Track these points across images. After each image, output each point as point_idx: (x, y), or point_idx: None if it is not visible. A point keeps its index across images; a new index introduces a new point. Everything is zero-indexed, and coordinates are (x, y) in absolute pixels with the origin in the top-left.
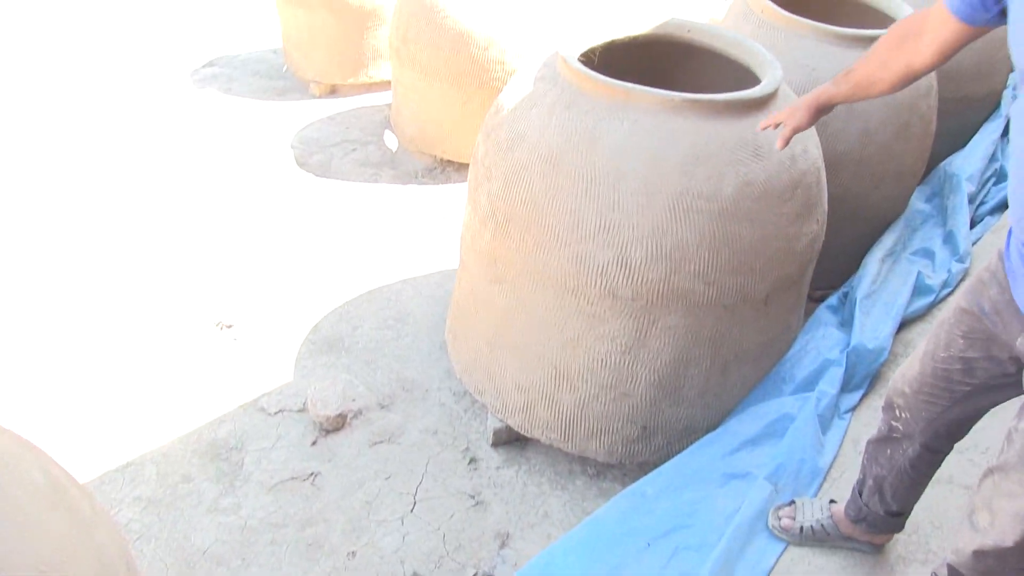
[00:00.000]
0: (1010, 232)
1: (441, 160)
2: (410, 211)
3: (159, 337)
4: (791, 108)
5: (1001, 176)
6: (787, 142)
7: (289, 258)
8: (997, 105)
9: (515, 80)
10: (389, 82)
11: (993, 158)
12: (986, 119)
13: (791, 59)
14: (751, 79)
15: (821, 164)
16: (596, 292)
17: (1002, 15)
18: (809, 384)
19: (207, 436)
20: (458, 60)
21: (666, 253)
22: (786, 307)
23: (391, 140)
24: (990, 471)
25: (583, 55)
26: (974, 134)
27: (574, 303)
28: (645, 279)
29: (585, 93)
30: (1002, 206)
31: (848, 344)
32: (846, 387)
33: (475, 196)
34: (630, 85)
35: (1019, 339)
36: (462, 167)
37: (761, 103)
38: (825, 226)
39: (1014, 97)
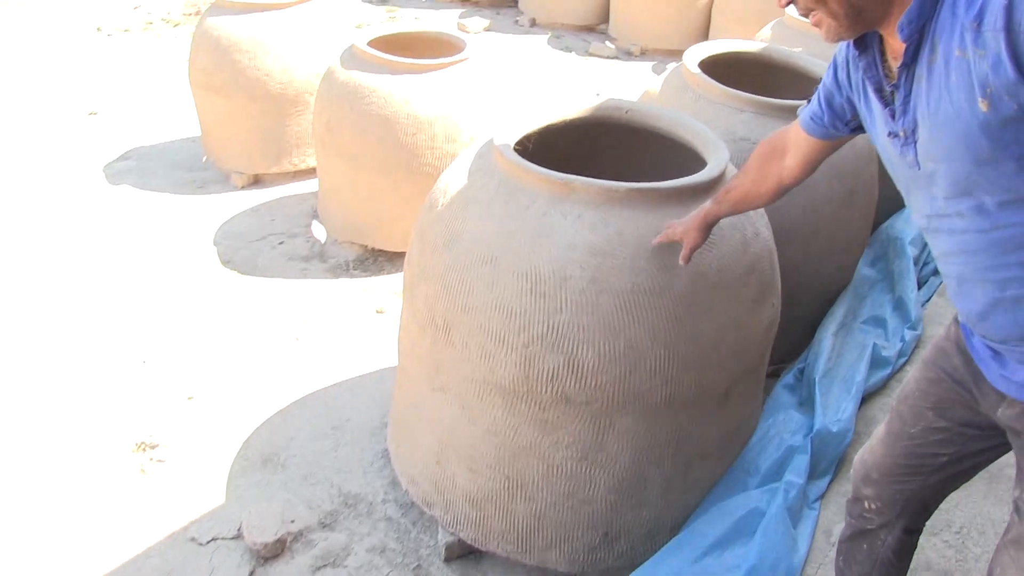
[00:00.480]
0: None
1: (373, 250)
2: (342, 306)
3: (73, 463)
4: (683, 228)
5: None
6: (688, 260)
7: (215, 366)
8: None
9: (448, 173)
10: (315, 169)
11: None
12: None
13: (730, 132)
14: (696, 160)
15: (772, 245)
16: (548, 397)
17: (858, 129)
18: (775, 474)
19: (131, 574)
20: (385, 147)
21: (619, 354)
22: (747, 397)
23: (319, 231)
24: (1004, 546)
25: (518, 143)
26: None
27: (525, 410)
28: (598, 382)
29: (524, 186)
30: None
31: (811, 428)
32: (813, 474)
33: (412, 299)
34: (571, 177)
35: (999, 410)
36: (395, 256)
37: (709, 187)
38: (780, 307)
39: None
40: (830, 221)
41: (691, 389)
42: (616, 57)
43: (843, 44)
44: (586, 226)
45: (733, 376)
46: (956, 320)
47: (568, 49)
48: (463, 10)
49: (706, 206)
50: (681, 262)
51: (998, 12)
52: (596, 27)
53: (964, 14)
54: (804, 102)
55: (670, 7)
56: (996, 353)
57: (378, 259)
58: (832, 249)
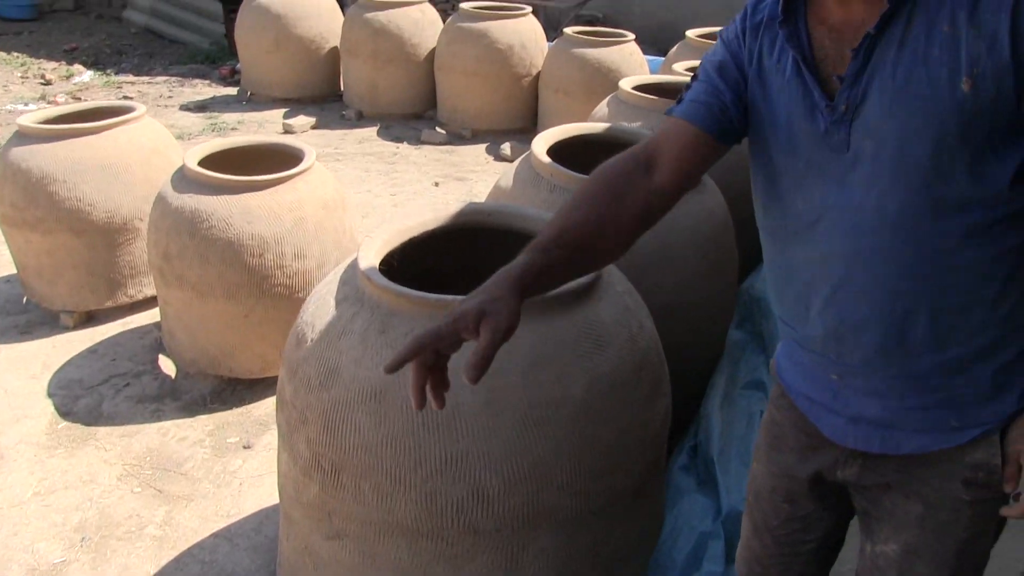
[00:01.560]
0: (785, 357)
1: (230, 380)
2: (205, 445)
3: None
4: (475, 308)
5: None
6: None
7: (70, 539)
8: None
9: (313, 304)
10: (154, 299)
11: None
12: None
13: None
14: None
15: (656, 334)
16: (454, 532)
17: (742, 129)
18: (692, 565)
19: None
20: (232, 272)
21: (526, 475)
22: (656, 492)
23: (168, 366)
24: None
25: (382, 262)
26: (756, 251)
27: (432, 547)
28: (507, 507)
29: (399, 312)
30: None
31: (719, 510)
32: (730, 558)
33: (292, 443)
34: (447, 297)
35: (838, 472)
36: (255, 383)
37: (592, 289)
38: (671, 395)
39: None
40: (699, 295)
41: (602, 496)
42: (449, 142)
43: (740, 16)
44: (471, 346)
45: (641, 474)
46: (781, 391)
47: (399, 139)
48: (286, 109)
49: (519, 265)
50: (470, 376)
51: None
52: (424, 114)
53: None
54: None
55: (495, 89)
56: (834, 393)
57: (237, 388)
58: (704, 322)
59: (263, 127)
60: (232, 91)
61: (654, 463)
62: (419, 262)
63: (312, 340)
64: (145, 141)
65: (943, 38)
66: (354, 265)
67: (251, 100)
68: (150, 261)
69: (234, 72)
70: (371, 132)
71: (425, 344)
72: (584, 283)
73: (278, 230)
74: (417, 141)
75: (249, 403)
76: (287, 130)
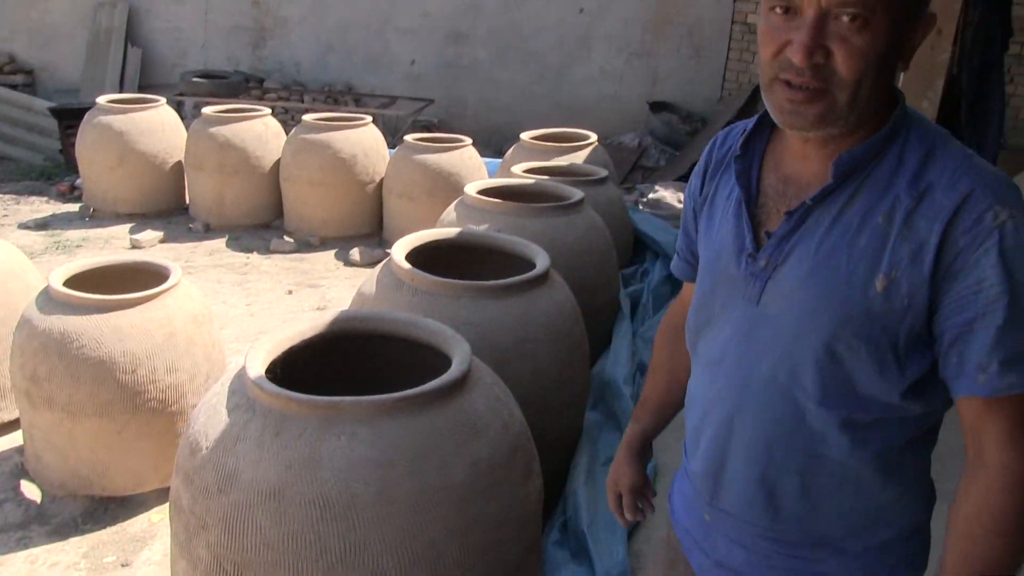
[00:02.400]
0: (679, 485)
1: (102, 499)
2: (80, 568)
3: None
4: (615, 478)
5: (643, 370)
6: (634, 511)
7: None
8: (619, 308)
9: (203, 414)
10: (15, 422)
11: (632, 357)
12: (614, 323)
13: (454, 319)
14: (441, 356)
15: (524, 420)
16: None
17: None
18: None
19: None
20: (104, 390)
21: (420, 555)
22: (534, 565)
23: (32, 491)
24: None
25: (267, 371)
26: (605, 338)
27: None
28: None
29: (291, 415)
30: None
31: (594, 574)
32: None
33: (190, 550)
34: (336, 399)
35: None
36: (127, 500)
37: (460, 385)
38: (542, 475)
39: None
40: (555, 382)
41: (489, 569)
42: (298, 250)
43: (707, 148)
44: (362, 442)
45: (521, 548)
46: (679, 532)
47: (249, 249)
48: (132, 224)
49: (624, 436)
50: (621, 521)
51: (945, 207)
52: (272, 223)
53: (907, 187)
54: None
55: (341, 197)
56: (705, 532)
57: (109, 507)
58: (562, 406)
59: (109, 243)
60: (73, 207)
61: (532, 538)
62: (301, 369)
63: (207, 448)
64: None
65: (873, 230)
66: (242, 375)
67: (94, 216)
68: (14, 384)
69: (73, 188)
70: (220, 243)
71: (608, 496)
72: (457, 377)
73: (149, 346)
74: (267, 250)
75: (123, 520)
76: (135, 245)
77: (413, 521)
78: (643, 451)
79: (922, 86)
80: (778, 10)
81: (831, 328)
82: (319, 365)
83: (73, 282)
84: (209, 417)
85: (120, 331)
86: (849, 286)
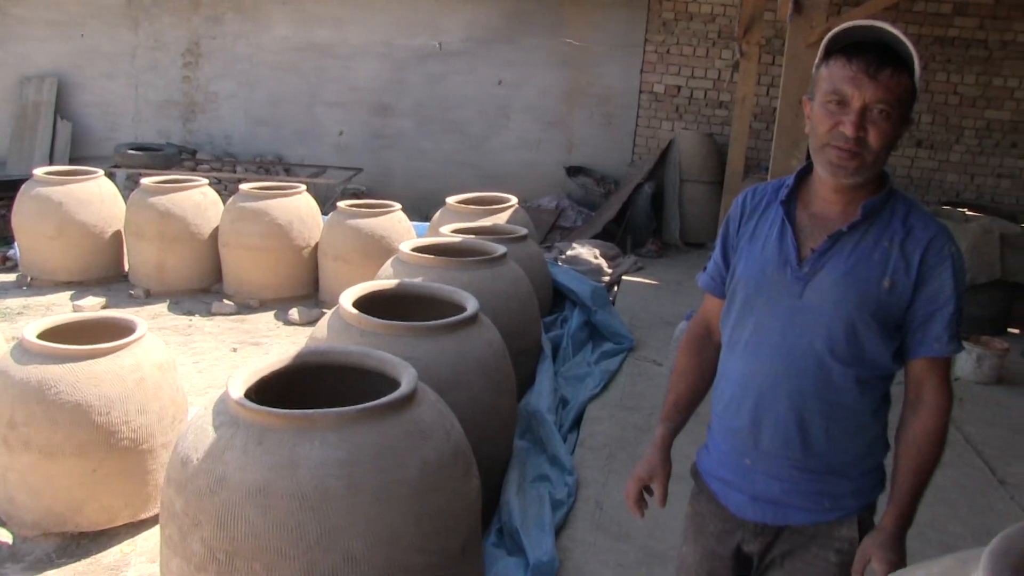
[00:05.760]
0: (705, 453)
1: (76, 535)
2: None
3: None
4: (648, 470)
5: (565, 403)
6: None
7: None
8: (541, 350)
9: (191, 434)
10: None
11: (555, 392)
12: (538, 363)
13: (396, 355)
14: (390, 382)
15: (463, 432)
16: None
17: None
18: None
19: None
20: (81, 431)
21: (383, 538)
22: (476, 555)
23: (2, 534)
24: None
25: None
26: (530, 376)
27: None
28: (371, 566)
29: (272, 427)
30: (575, 422)
31: (527, 564)
32: None
33: (185, 546)
34: (310, 411)
35: (746, 547)
36: (99, 535)
37: (409, 399)
38: (479, 477)
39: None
40: (489, 409)
41: (438, 554)
42: (238, 312)
43: (740, 198)
44: (333, 446)
45: (465, 535)
46: (695, 476)
47: (191, 312)
48: (72, 292)
49: (658, 434)
50: (659, 506)
51: (922, 241)
52: (211, 288)
53: (900, 226)
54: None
55: (278, 261)
56: (743, 474)
57: (82, 542)
58: (493, 432)
59: (50, 310)
60: (10, 277)
61: (474, 528)
62: (271, 395)
63: (198, 459)
64: None
65: (882, 250)
66: (225, 398)
67: (32, 285)
68: None
69: (6, 259)
70: (162, 308)
71: (631, 486)
72: (407, 392)
73: (122, 390)
74: (208, 313)
75: (96, 553)
76: (76, 311)
77: (377, 510)
78: (670, 449)
79: (790, 147)
80: (833, 103)
81: (855, 312)
82: (285, 391)
83: (43, 337)
84: (197, 435)
85: (95, 377)
86: (868, 285)
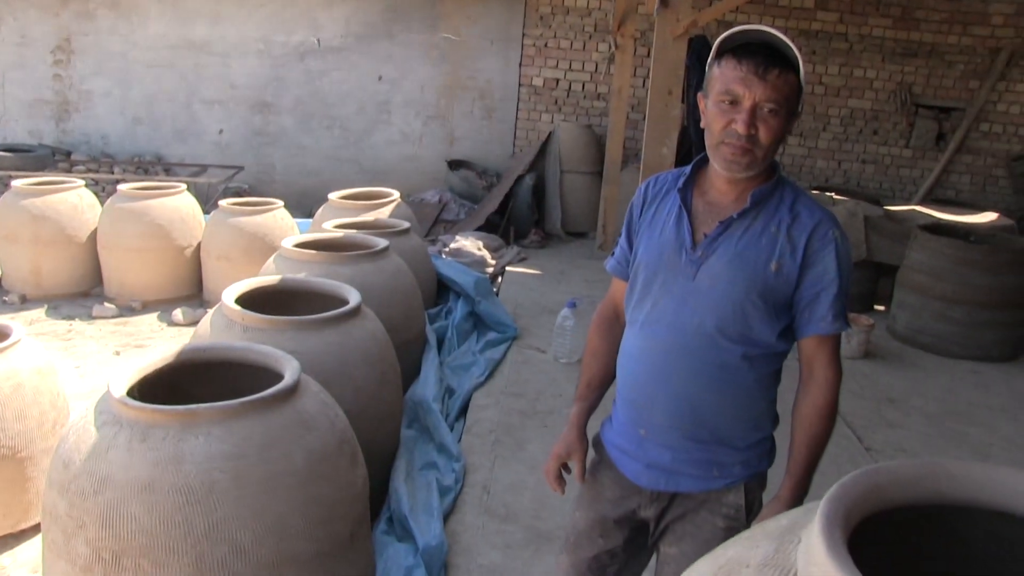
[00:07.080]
0: (608, 424)
1: None
2: None
3: None
4: (566, 447)
5: (451, 393)
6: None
7: None
8: (426, 341)
9: (72, 435)
10: None
11: (440, 381)
12: (423, 354)
13: (280, 349)
14: (273, 375)
15: (348, 422)
16: None
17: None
18: None
19: None
20: None
21: (270, 528)
22: (365, 541)
23: None
24: None
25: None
26: (415, 367)
27: None
28: (259, 556)
29: (155, 424)
30: (462, 410)
31: (417, 549)
32: None
33: (69, 549)
34: (193, 406)
35: (642, 512)
36: None
37: (293, 391)
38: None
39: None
40: (373, 399)
41: (327, 541)
42: (121, 315)
43: (643, 186)
44: (217, 439)
45: (353, 522)
46: (596, 446)
47: (71, 317)
48: None
49: (573, 413)
50: (579, 481)
51: (808, 226)
52: (91, 291)
53: (787, 212)
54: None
55: (160, 262)
56: (639, 443)
57: None
58: (379, 422)
59: None
60: None
61: (361, 515)
62: (154, 393)
63: (80, 460)
64: None
65: (769, 235)
66: (107, 397)
67: None
68: None
69: None
70: (39, 313)
71: (551, 464)
72: (290, 384)
73: (1, 395)
74: (89, 317)
75: None
76: None
77: (263, 501)
78: (585, 427)
79: (661, 136)
80: (726, 102)
81: (744, 293)
82: (170, 390)
83: None
84: (79, 436)
85: None
86: (755, 268)
